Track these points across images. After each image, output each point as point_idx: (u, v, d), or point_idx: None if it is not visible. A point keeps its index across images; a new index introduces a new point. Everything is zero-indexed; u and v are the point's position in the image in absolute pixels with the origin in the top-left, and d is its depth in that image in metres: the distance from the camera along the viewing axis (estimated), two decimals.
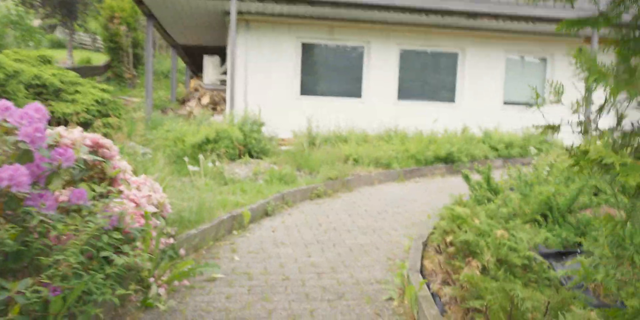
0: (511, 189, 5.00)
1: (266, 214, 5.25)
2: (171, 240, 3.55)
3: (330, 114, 10.44)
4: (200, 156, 6.04)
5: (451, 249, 3.02)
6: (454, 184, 7.83)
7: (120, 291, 2.47)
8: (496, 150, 9.80)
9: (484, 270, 2.69)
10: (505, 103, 11.82)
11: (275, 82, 10.52)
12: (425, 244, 3.93)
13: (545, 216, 4.02)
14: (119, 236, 2.70)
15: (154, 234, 3.24)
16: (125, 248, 2.78)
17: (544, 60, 12.09)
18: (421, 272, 3.22)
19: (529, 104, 12.06)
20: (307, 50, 10.90)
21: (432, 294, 2.69)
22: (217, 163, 6.29)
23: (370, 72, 10.99)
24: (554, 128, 1.82)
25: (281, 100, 10.52)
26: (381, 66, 11.01)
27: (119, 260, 2.51)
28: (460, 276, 2.38)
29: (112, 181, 3.36)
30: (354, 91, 11.07)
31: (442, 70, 11.56)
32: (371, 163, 8.11)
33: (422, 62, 11.42)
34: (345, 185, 6.92)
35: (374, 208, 5.78)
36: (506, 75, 11.77)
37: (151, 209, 3.33)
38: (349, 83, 11.09)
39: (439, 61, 11.53)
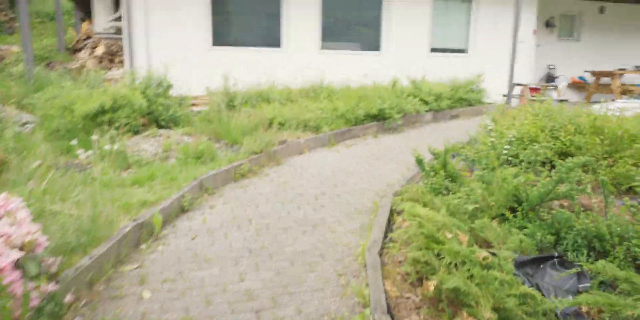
0: (471, 170, 4.47)
1: (182, 210, 4.32)
2: (50, 287, 2.61)
3: (248, 66, 9.30)
4: (94, 137, 4.87)
5: (431, 291, 2.38)
6: (388, 146, 7.27)
7: None
8: (426, 103, 9.30)
9: None
10: (433, 50, 11.23)
11: (182, 31, 9.04)
12: (380, 254, 3.29)
13: (513, 209, 3.51)
14: None
15: (19, 291, 2.28)
16: None
17: (469, 1, 11.50)
18: (387, 303, 2.58)
19: (455, 50, 11.59)
20: None
21: None
22: (117, 144, 5.12)
23: (290, 15, 9.78)
24: None
25: (191, 52, 9.13)
26: (302, 8, 9.83)
27: None
28: None
29: None
30: (273, 40, 9.88)
31: (368, 15, 10.62)
32: (299, 126, 7.28)
33: (346, 5, 10.37)
34: (272, 157, 6.07)
35: (309, 190, 5.04)
36: (433, 20, 11.08)
37: (11, 256, 2.34)
38: (267, 30, 9.86)
39: (364, 4, 10.56)
